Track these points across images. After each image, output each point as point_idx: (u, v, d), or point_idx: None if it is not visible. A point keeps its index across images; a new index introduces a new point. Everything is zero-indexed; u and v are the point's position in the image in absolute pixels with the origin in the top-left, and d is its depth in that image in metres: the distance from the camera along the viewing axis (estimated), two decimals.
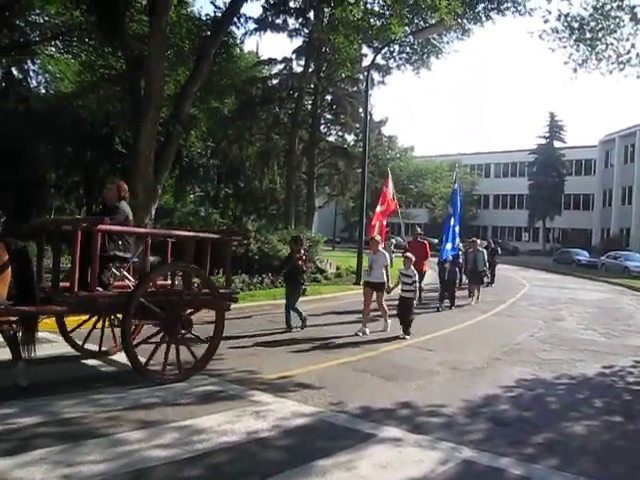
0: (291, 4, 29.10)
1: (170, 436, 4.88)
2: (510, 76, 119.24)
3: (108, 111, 28.00)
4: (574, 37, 13.85)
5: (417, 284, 10.50)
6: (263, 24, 28.88)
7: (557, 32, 13.97)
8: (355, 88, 32.90)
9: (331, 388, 6.66)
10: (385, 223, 16.53)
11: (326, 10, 24.81)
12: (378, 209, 15.58)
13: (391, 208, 16.25)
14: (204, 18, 18.06)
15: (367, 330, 10.41)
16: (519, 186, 60.14)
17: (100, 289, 6.48)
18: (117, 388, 6.22)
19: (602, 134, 56.27)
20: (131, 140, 24.66)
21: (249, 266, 16.08)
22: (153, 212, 12.78)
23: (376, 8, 17.03)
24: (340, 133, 36.08)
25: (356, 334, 10.19)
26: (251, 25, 27.66)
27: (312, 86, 30.80)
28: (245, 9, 22.77)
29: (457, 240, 16.01)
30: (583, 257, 41.56)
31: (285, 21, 29.57)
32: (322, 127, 34.72)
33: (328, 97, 33.74)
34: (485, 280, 18.43)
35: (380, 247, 11.42)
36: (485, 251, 17.25)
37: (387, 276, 10.70)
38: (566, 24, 13.73)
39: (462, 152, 66.58)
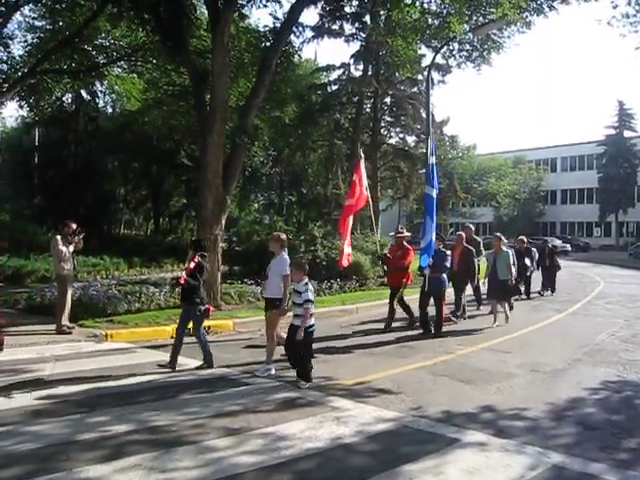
0: (347, 9, 29.16)
1: (256, 443, 4.98)
2: (573, 67, 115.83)
3: (172, 126, 28.92)
4: None
5: (311, 305, 7.19)
6: (320, 31, 29.04)
7: (628, 17, 13.51)
8: (415, 89, 32.65)
9: (409, 393, 6.63)
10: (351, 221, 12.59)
11: (382, 13, 24.74)
12: (348, 202, 12.05)
13: (361, 204, 12.29)
14: (262, 30, 18.30)
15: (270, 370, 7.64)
16: (588, 180, 58.03)
17: None
18: (199, 397, 6.41)
19: None
20: (196, 153, 25.24)
21: (317, 272, 16.19)
22: (223, 223, 13.06)
23: (433, 7, 16.78)
24: (401, 135, 35.79)
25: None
26: (309, 33, 27.89)
27: (371, 90, 30.74)
28: (302, 17, 23.05)
29: (432, 236, 11.13)
30: None
31: (341, 27, 29.64)
32: (383, 130, 34.55)
33: (388, 100, 33.57)
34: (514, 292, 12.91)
35: (284, 251, 8.02)
36: (510, 251, 12.57)
37: (284, 290, 7.73)
38: (638, 7, 13.25)
39: (526, 147, 65.03)
